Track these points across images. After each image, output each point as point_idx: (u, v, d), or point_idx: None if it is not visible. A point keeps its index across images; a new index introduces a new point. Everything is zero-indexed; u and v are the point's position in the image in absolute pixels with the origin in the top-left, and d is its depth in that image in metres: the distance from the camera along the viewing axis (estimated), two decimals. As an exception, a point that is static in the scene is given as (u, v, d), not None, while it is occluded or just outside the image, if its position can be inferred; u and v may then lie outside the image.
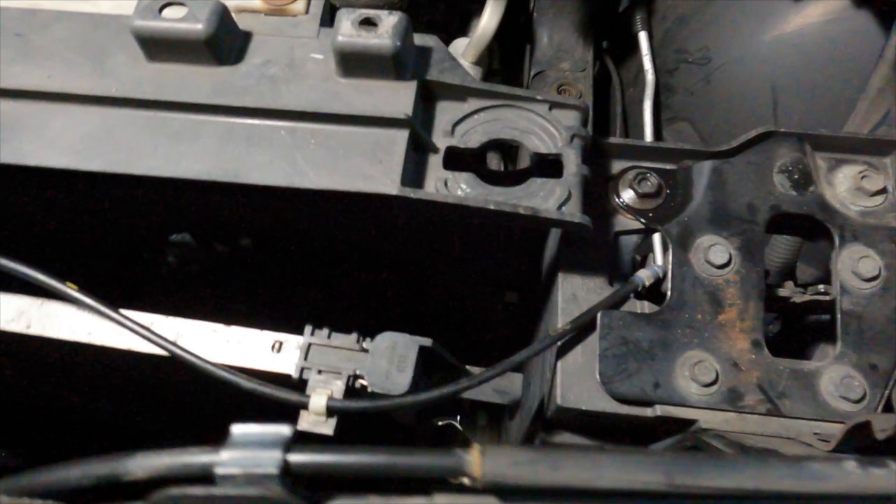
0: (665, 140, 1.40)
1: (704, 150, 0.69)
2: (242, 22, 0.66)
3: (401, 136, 0.60)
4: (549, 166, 0.63)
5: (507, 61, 1.71)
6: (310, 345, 0.63)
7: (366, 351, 0.62)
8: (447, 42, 1.29)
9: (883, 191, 0.68)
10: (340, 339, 0.63)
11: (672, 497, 0.28)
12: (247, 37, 0.65)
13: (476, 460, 0.29)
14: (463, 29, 1.40)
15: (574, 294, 0.68)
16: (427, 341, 0.61)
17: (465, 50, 1.30)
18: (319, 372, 0.61)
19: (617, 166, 0.72)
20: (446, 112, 0.65)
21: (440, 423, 0.75)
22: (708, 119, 1.32)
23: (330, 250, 0.81)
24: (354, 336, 0.63)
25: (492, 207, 0.58)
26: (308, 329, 0.63)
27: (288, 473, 0.29)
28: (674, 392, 0.62)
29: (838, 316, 0.64)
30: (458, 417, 0.74)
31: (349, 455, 0.30)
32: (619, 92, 1.47)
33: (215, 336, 0.65)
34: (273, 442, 0.30)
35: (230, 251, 0.85)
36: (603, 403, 0.63)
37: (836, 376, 0.62)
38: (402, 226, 0.72)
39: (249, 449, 0.29)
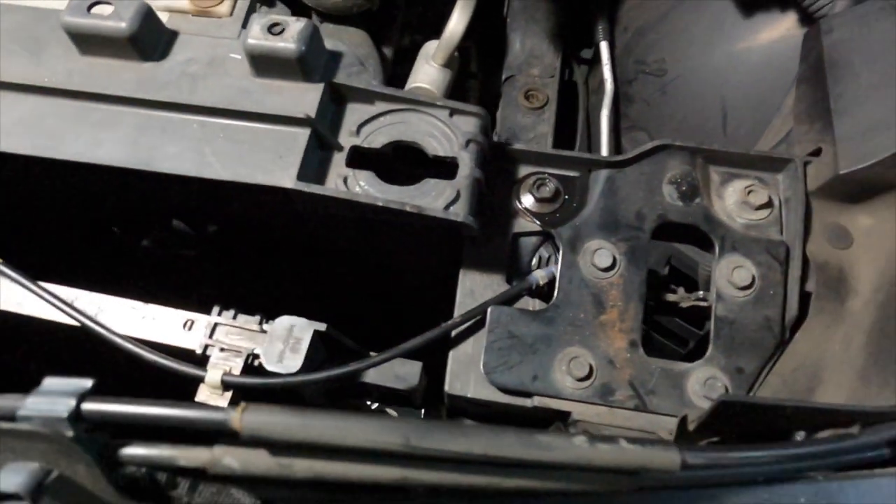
0: (623, 148, 1.43)
1: (603, 160, 0.73)
2: (172, 22, 0.71)
3: (302, 135, 0.64)
4: (445, 169, 0.68)
5: (488, 65, 1.75)
6: (215, 324, 0.67)
7: (265, 332, 0.66)
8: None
9: (768, 205, 0.71)
10: (244, 320, 0.68)
11: (411, 458, 0.32)
12: (173, 35, 0.70)
13: (237, 416, 0.33)
14: (438, 31, 1.44)
15: (472, 289, 0.73)
16: (322, 326, 0.66)
17: (433, 53, 1.34)
18: (222, 350, 0.66)
19: (524, 171, 0.76)
20: (355, 113, 0.69)
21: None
22: (663, 129, 1.35)
23: (265, 239, 0.85)
24: (257, 318, 0.68)
25: (380, 204, 0.63)
26: (215, 309, 0.68)
27: (79, 419, 0.34)
28: (550, 385, 0.66)
29: (712, 321, 0.68)
30: (368, 402, 0.79)
31: (132, 406, 0.35)
32: (583, 99, 1.51)
33: (133, 312, 0.70)
34: (71, 392, 0.34)
35: (180, 237, 0.90)
36: (486, 392, 0.68)
37: (702, 377, 0.66)
38: (325, 218, 0.77)
39: (50, 397, 0.34)
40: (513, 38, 1.60)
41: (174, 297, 0.71)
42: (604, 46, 1.39)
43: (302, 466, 0.33)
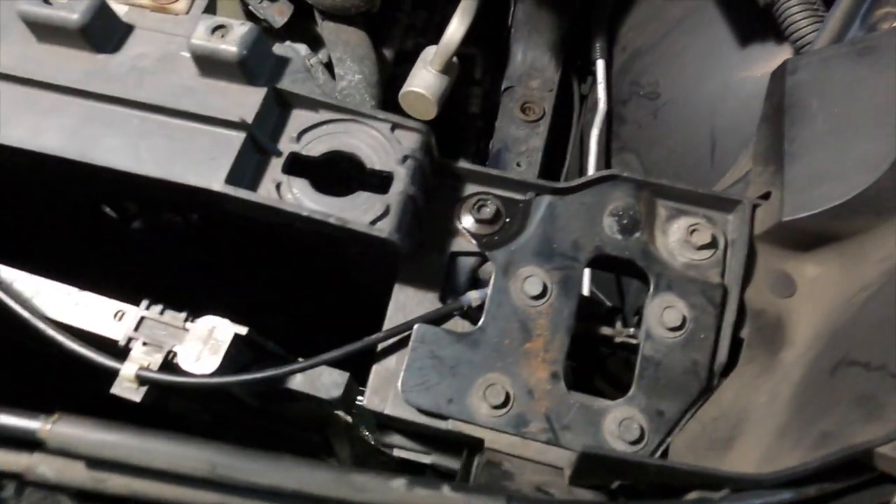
0: (613, 169, 1.41)
1: (547, 186, 0.72)
2: (129, 15, 0.72)
3: (237, 138, 0.65)
4: (381, 182, 0.67)
5: (493, 73, 1.74)
6: (142, 318, 0.68)
7: (187, 331, 0.67)
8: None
9: (710, 245, 0.70)
10: (170, 316, 0.68)
11: (216, 485, 0.32)
12: (128, 29, 0.71)
13: (47, 426, 0.33)
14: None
15: (404, 304, 0.72)
16: (243, 330, 0.66)
17: (431, 58, 1.34)
18: (145, 344, 0.67)
19: (470, 189, 0.75)
20: (298, 120, 0.69)
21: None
22: (652, 153, 1.33)
23: (215, 233, 0.86)
24: (183, 315, 0.68)
25: (304, 214, 0.62)
26: (144, 303, 0.69)
27: None
28: (465, 409, 0.65)
29: (638, 359, 0.67)
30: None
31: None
32: (578, 116, 1.49)
33: (68, 298, 0.71)
34: None
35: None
36: (402, 411, 0.67)
37: (619, 416, 0.64)
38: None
39: None
40: (515, 48, 1.59)
41: (127, 284, 0.72)
42: (600, 65, 1.37)
43: (117, 483, 0.33)
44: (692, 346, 0.66)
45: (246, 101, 0.66)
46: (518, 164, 1.47)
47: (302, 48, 1.50)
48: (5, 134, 0.66)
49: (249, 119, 0.65)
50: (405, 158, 0.67)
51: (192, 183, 0.62)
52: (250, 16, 0.86)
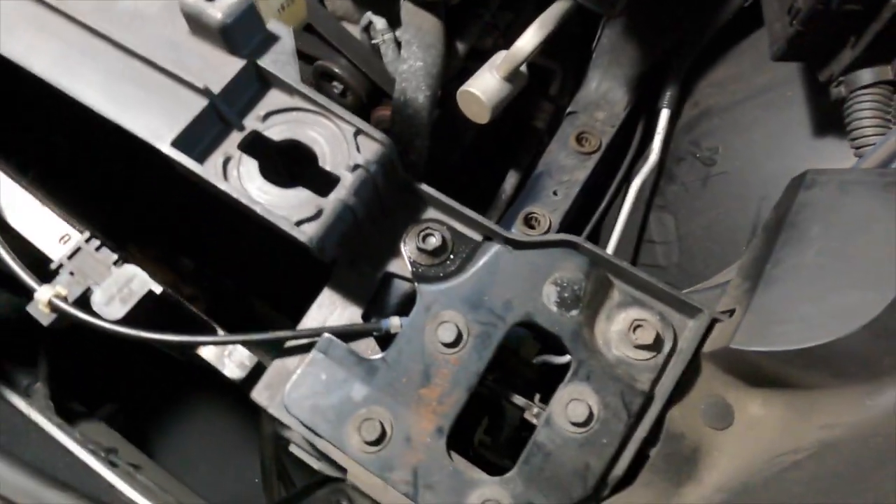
0: (650, 228, 1.33)
1: (501, 233, 0.67)
2: (152, -41, 0.73)
3: (198, 103, 0.64)
4: (328, 184, 0.65)
5: (572, 93, 1.67)
6: (78, 248, 0.70)
7: (111, 274, 0.68)
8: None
9: (651, 348, 0.63)
10: (103, 254, 0.70)
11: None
12: (144, -28, 0.72)
13: None
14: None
15: (327, 309, 0.70)
16: (157, 288, 0.67)
17: (499, 63, 1.30)
18: (72, 273, 0.69)
19: (430, 214, 0.72)
20: (272, 100, 0.68)
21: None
22: (690, 221, 1.24)
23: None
24: (114, 257, 0.70)
25: (233, 195, 0.61)
26: (85, 234, 0.71)
27: None
28: (338, 435, 0.63)
29: (530, 443, 0.62)
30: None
31: None
32: (627, 160, 1.41)
33: (26, 206, 0.74)
34: None
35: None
36: (282, 414, 0.66)
37: (487, 495, 0.60)
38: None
39: None
40: (592, 75, 1.52)
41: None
42: (664, 115, 1.28)
43: None
44: (590, 448, 0.60)
45: (222, 69, 0.66)
46: (555, 193, 1.41)
47: (380, 21, 1.50)
48: (6, 45, 0.69)
49: (217, 88, 0.64)
50: (356, 167, 0.64)
51: (141, 135, 0.63)
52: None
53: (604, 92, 1.49)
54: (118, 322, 0.65)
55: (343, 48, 1.53)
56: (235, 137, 0.67)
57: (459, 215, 0.70)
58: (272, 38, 0.68)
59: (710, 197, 1.21)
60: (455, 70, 1.53)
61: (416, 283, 0.67)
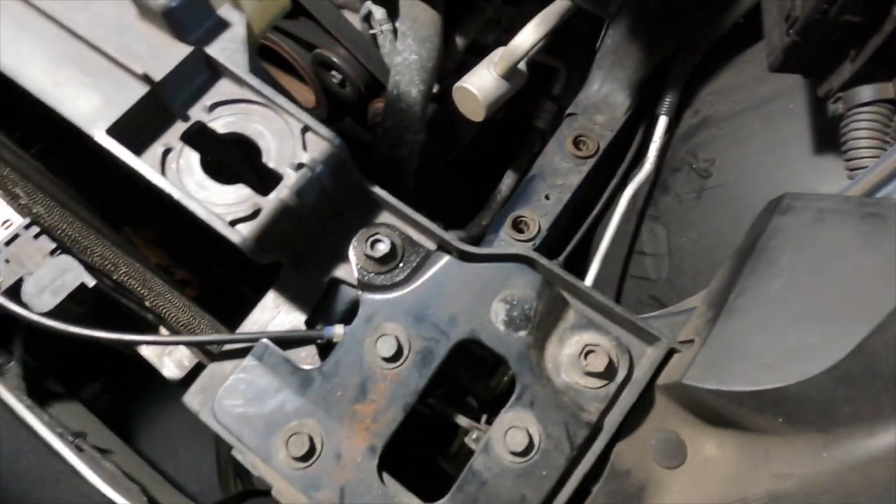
0: (641, 238, 1.28)
1: (452, 244, 0.63)
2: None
3: (139, 90, 0.61)
4: (271, 182, 0.62)
5: (575, 94, 1.63)
6: (17, 234, 0.68)
7: (45, 264, 0.66)
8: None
9: (603, 376, 0.58)
10: (42, 242, 0.67)
11: None
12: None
13: None
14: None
15: (270, 310, 0.67)
16: (90, 281, 0.64)
17: (497, 60, 1.26)
18: (7, 261, 0.67)
19: (383, 218, 0.68)
20: (220, 91, 0.65)
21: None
22: (682, 233, 1.19)
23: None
24: (51, 247, 0.67)
25: (167, 190, 0.58)
26: (25, 221, 0.69)
27: None
28: (265, 448, 0.60)
29: (465, 469, 0.58)
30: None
31: None
32: (623, 168, 1.36)
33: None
34: None
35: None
36: (210, 420, 0.63)
37: (413, 523, 0.56)
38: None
39: None
40: (594, 76, 1.46)
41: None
42: (661, 122, 1.23)
43: None
44: (528, 479, 0.56)
45: (168, 55, 0.62)
46: (546, 197, 1.37)
47: (378, 11, 1.45)
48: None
49: (160, 74, 0.61)
50: (300, 165, 0.60)
51: (73, 120, 0.60)
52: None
53: (605, 94, 1.44)
54: (46, 314, 0.63)
55: (342, 37, 1.49)
56: (178, 128, 0.63)
57: (412, 222, 0.66)
58: (222, 25, 0.64)
59: (703, 210, 1.16)
60: (454, 65, 1.49)
61: (359, 291, 0.64)
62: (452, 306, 0.61)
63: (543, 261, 0.62)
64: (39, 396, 1.27)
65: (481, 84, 1.27)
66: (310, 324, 0.67)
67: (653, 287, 1.24)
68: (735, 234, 1.07)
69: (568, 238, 1.31)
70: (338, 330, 0.65)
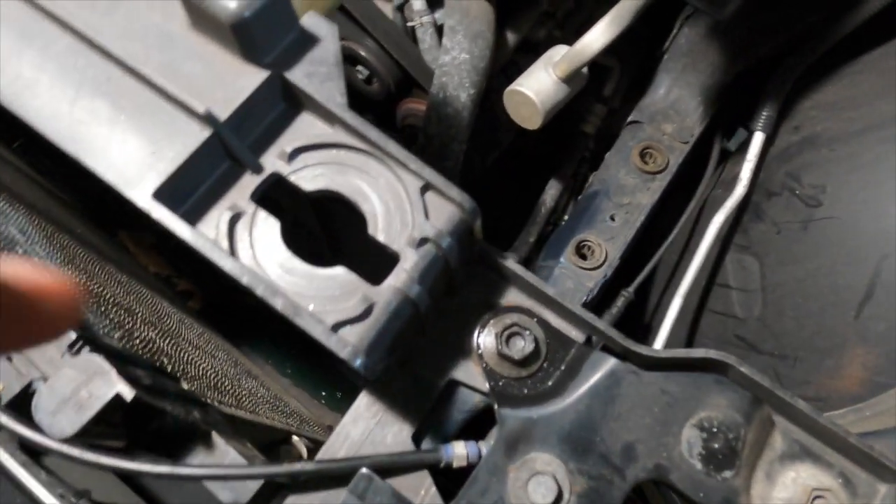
0: (725, 269, 1.13)
1: (622, 343, 0.47)
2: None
3: (196, 134, 0.43)
4: (380, 263, 0.45)
5: (628, 96, 1.48)
6: (20, 320, 0.50)
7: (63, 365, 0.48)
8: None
9: (835, 533, 0.43)
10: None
11: None
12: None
13: None
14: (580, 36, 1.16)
15: (364, 422, 0.50)
16: (129, 393, 0.47)
17: (557, 61, 1.09)
18: (10, 359, 0.49)
19: (510, 299, 0.51)
20: (303, 130, 0.47)
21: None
22: (780, 270, 1.04)
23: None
24: (71, 337, 0.49)
25: (243, 280, 0.41)
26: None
27: None
28: None
29: None
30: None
31: None
32: (702, 187, 1.20)
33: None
34: None
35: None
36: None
37: None
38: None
39: None
40: (660, 79, 1.30)
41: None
42: (757, 138, 1.07)
43: None
44: None
45: (234, 83, 0.45)
46: (612, 218, 1.21)
47: (418, 1, 1.26)
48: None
49: (225, 112, 0.43)
50: (423, 241, 0.44)
51: (107, 178, 0.42)
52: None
53: (674, 100, 1.28)
54: (70, 441, 0.46)
55: (371, 28, 1.31)
56: (248, 183, 0.46)
57: (556, 306, 0.49)
58: (308, 41, 0.47)
59: (810, 244, 1.00)
60: (502, 64, 1.32)
61: (495, 404, 0.47)
62: (628, 432, 0.45)
63: (744, 368, 0.46)
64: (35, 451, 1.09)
65: (539, 88, 1.10)
66: (417, 438, 0.50)
67: (740, 326, 1.09)
68: (854, 276, 0.93)
69: (634, 270, 1.16)
70: (458, 450, 0.49)
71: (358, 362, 0.40)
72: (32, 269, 0.24)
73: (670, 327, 1.04)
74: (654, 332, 1.04)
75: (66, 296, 0.25)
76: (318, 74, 0.46)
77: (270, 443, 0.93)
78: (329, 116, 0.46)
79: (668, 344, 0.99)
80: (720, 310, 1.14)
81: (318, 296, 0.42)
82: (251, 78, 0.45)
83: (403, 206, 0.45)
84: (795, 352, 1.02)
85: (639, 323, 1.30)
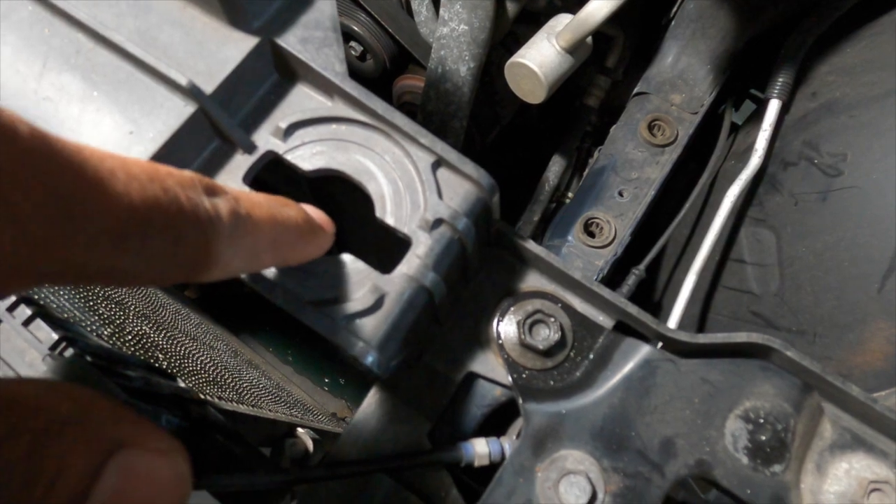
0: (740, 243, 1.09)
1: (655, 328, 0.43)
2: None
3: (181, 110, 0.38)
4: (388, 248, 0.41)
5: (632, 66, 1.43)
6: (-4, 321, 0.46)
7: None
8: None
9: (896, 527, 0.40)
10: (33, 330, 0.45)
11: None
12: None
13: None
14: (582, 5, 1.11)
15: (378, 420, 0.47)
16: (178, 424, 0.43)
17: (560, 31, 1.04)
18: (-15, 361, 0.45)
19: (531, 283, 0.47)
20: (298, 104, 0.43)
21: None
22: (798, 243, 1.00)
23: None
24: (55, 337, 0.45)
25: (241, 275, 0.36)
26: (11, 300, 0.46)
27: None
28: None
29: None
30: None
31: None
32: (715, 158, 1.16)
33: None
34: None
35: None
36: None
37: None
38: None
39: None
40: (667, 47, 1.25)
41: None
42: (773, 106, 1.03)
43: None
44: None
45: (220, 49, 0.40)
46: (620, 194, 1.17)
47: (411, -32, 1.20)
48: None
49: (212, 84, 0.39)
50: (437, 223, 0.39)
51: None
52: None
53: (682, 69, 1.23)
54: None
55: (364, 1, 1.26)
56: (240, 164, 0.41)
57: (582, 290, 0.45)
58: (301, 3, 0.42)
59: (830, 216, 0.96)
60: (501, 36, 1.26)
61: (519, 399, 0.43)
62: (666, 426, 0.42)
63: (791, 352, 0.42)
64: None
65: (543, 60, 1.06)
66: (433, 435, 0.46)
67: (756, 302, 1.06)
68: (877, 248, 0.89)
69: (644, 247, 1.12)
70: (480, 448, 0.45)
71: (370, 359, 0.36)
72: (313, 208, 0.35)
73: (684, 305, 1.00)
74: (667, 311, 1.00)
75: (331, 227, 0.36)
76: (314, 40, 0.41)
77: (274, 437, 0.89)
78: (328, 87, 0.41)
79: (681, 324, 0.96)
80: (735, 286, 1.10)
81: (322, 283, 0.38)
82: (239, 45, 0.40)
83: (413, 184, 0.40)
84: (815, 327, 0.98)
85: (648, 301, 1.27)
